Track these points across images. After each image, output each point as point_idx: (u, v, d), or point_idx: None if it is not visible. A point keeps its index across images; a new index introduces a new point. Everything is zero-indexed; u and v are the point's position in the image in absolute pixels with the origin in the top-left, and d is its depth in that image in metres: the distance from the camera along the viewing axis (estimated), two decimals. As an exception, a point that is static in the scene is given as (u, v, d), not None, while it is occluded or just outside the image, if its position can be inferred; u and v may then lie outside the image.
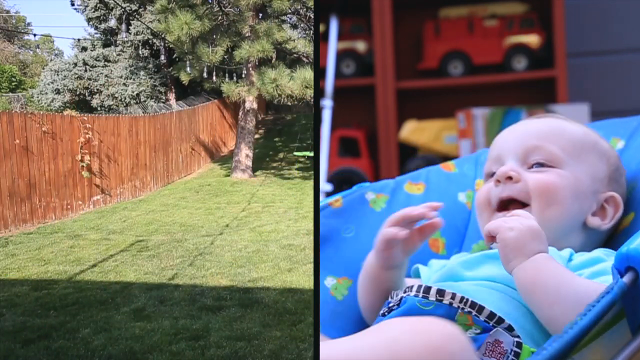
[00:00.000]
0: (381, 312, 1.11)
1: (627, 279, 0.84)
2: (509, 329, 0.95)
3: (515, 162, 1.24)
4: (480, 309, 0.97)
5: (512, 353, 0.93)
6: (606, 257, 1.11)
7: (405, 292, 1.08)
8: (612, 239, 1.25)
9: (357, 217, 1.41)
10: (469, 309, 0.98)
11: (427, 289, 1.04)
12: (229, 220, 7.81)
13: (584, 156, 1.22)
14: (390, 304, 1.09)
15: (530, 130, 1.28)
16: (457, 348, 0.88)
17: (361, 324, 1.26)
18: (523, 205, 1.20)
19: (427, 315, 1.00)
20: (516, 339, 0.94)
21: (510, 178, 1.22)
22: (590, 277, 1.06)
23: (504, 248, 1.06)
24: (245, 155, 12.65)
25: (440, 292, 1.02)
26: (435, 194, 1.46)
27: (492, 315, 0.97)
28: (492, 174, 1.29)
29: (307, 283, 4.49)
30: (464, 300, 0.99)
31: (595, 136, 1.28)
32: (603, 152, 1.25)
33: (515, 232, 1.06)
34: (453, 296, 1.00)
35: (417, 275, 1.32)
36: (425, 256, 1.37)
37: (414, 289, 1.06)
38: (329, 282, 1.34)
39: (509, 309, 1.02)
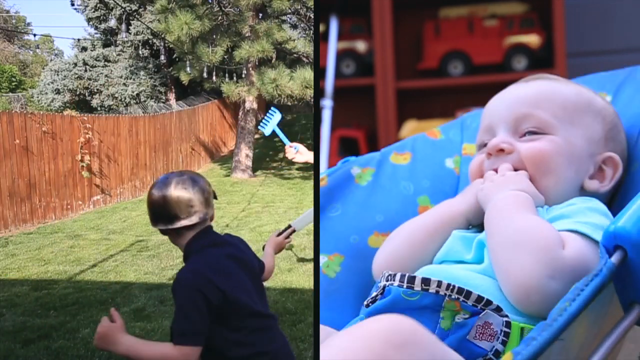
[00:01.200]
0: (365, 302, 1.09)
1: (615, 258, 0.82)
2: (497, 309, 0.95)
3: (506, 132, 1.21)
4: (468, 294, 0.96)
5: (502, 333, 0.93)
6: (577, 201, 1.12)
7: (388, 280, 1.05)
8: (613, 198, 1.21)
9: (343, 194, 1.37)
10: (456, 296, 0.97)
11: (412, 279, 1.01)
12: (229, 220, 7.81)
13: (578, 118, 1.18)
14: (374, 294, 1.07)
15: (520, 96, 1.24)
16: (401, 342, 0.79)
17: (356, 301, 1.21)
18: None
19: (412, 306, 0.99)
20: (505, 319, 0.94)
21: (502, 150, 1.20)
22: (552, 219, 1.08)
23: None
24: (245, 155, 12.65)
25: (426, 282, 1.00)
26: (422, 162, 1.43)
27: (480, 298, 0.96)
28: (484, 145, 1.26)
29: (307, 283, 4.49)
30: (451, 287, 0.98)
31: (589, 94, 1.23)
32: (598, 111, 1.20)
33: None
34: (439, 284, 0.99)
35: None
36: None
37: (397, 278, 1.03)
38: (320, 260, 1.29)
39: (498, 291, 1.01)
